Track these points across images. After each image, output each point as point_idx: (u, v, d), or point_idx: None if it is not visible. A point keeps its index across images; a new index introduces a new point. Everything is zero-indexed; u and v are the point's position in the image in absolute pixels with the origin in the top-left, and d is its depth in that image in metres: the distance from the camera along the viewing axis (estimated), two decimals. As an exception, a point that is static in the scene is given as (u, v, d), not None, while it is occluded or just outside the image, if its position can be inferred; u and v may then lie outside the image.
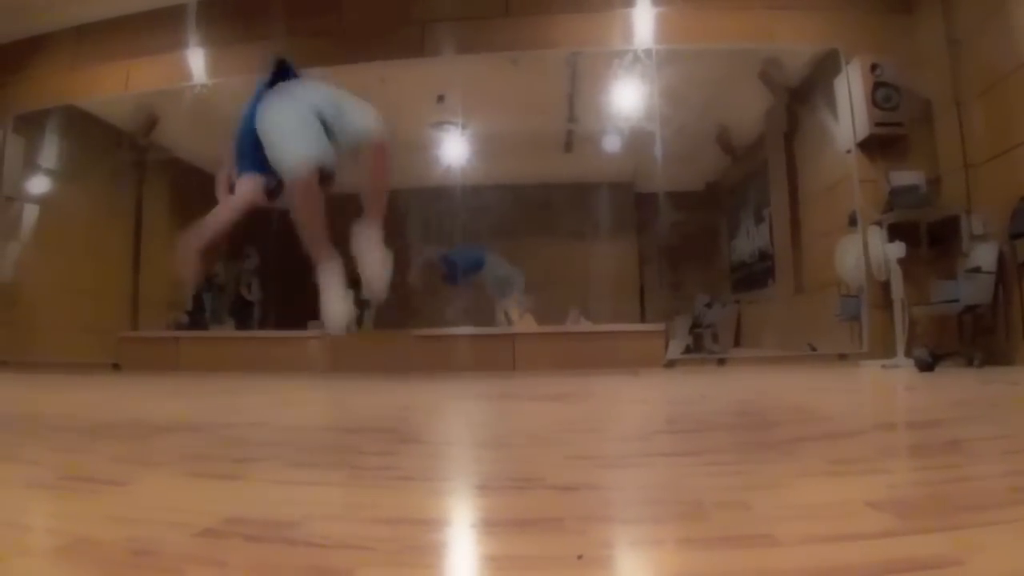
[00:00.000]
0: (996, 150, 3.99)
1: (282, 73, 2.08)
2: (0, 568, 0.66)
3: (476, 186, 5.83)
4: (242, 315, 6.12)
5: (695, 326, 5.80)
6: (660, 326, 4.86)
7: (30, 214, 5.94)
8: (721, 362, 4.86)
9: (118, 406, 2.62)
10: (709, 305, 6.04)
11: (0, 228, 5.73)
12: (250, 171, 1.99)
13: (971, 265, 3.90)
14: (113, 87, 5.68)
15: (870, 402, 2.45)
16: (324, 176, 1.94)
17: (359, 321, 5.95)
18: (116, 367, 5.21)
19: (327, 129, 1.91)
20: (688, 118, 5.59)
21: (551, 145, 6.53)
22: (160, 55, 5.59)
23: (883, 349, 4.30)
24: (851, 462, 1.18)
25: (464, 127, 5.72)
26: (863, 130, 4.55)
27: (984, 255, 3.86)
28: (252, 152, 1.95)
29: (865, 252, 4.45)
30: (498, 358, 4.78)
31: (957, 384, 2.80)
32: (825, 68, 4.97)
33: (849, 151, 4.71)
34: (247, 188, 1.98)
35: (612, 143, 6.10)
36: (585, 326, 5.34)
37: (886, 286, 4.30)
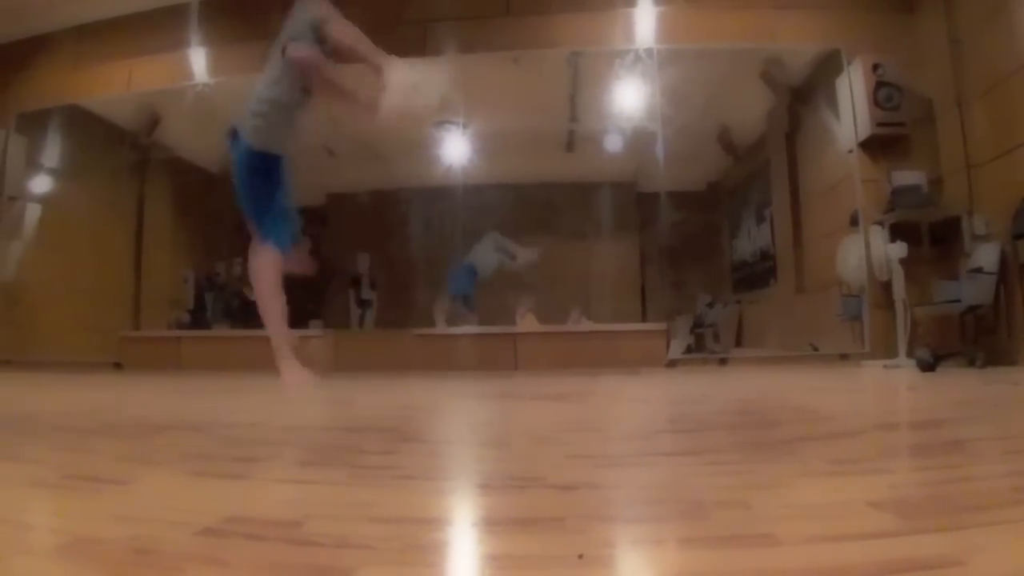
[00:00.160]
0: (998, 150, 3.99)
1: None
2: (1, 566, 0.66)
3: (477, 185, 5.83)
4: (245, 314, 6.12)
5: (696, 326, 5.80)
6: (662, 326, 4.86)
7: (32, 213, 5.95)
8: (723, 362, 4.86)
9: (120, 405, 2.63)
10: (711, 305, 6.04)
11: (2, 227, 5.74)
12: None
13: (973, 265, 3.89)
14: (115, 86, 5.69)
15: (872, 402, 2.44)
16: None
17: (361, 321, 5.96)
18: (118, 366, 5.21)
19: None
20: (690, 118, 5.59)
21: (552, 145, 6.53)
22: (162, 54, 5.59)
23: (885, 349, 4.30)
24: (852, 462, 1.18)
25: (465, 126, 5.72)
26: (865, 130, 4.54)
27: (986, 255, 3.86)
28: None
29: (867, 252, 4.44)
30: (500, 357, 4.78)
31: (959, 384, 2.79)
32: (827, 68, 4.97)
33: (851, 151, 4.70)
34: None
35: (613, 143, 6.10)
36: (587, 326, 5.34)
37: (888, 286, 4.29)
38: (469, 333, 5.09)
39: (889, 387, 2.93)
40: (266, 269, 2.19)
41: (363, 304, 6.15)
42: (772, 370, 4.29)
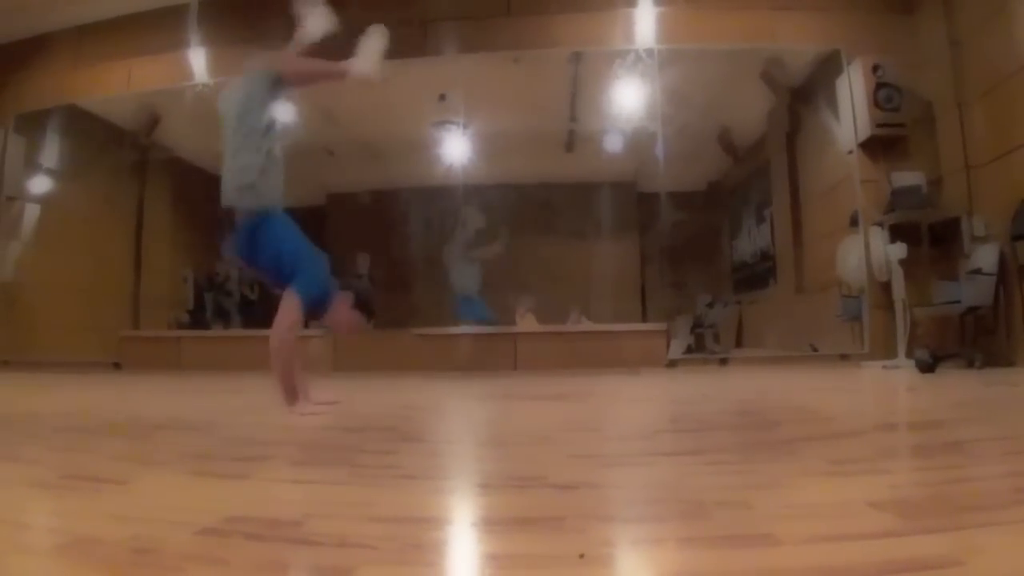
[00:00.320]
0: (997, 152, 3.99)
1: None
2: (0, 566, 0.66)
3: (478, 185, 5.83)
4: (245, 314, 6.13)
5: (697, 326, 5.81)
6: (662, 326, 4.86)
7: (31, 214, 5.94)
8: (723, 362, 4.86)
9: (119, 405, 2.63)
10: (711, 305, 6.04)
11: (1, 227, 5.73)
12: None
13: (972, 266, 3.89)
14: (115, 86, 5.68)
15: (871, 403, 2.44)
16: None
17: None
18: (117, 366, 5.21)
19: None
20: (690, 118, 5.59)
21: (553, 144, 6.54)
22: (162, 54, 5.59)
23: (884, 350, 4.30)
24: (852, 462, 1.18)
25: (466, 126, 5.72)
26: (865, 131, 4.54)
27: (985, 256, 3.86)
28: None
29: (866, 253, 4.45)
30: (499, 358, 4.78)
31: (958, 385, 2.79)
32: (827, 68, 4.97)
33: (851, 151, 4.70)
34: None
35: (614, 143, 6.10)
36: (587, 326, 5.34)
37: (887, 287, 4.30)
38: (469, 333, 5.09)
39: (888, 388, 2.93)
40: (284, 316, 2.16)
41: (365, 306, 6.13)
42: (772, 370, 4.29)
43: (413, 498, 0.99)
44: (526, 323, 5.34)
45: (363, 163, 6.70)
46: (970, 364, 3.71)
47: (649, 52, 5.09)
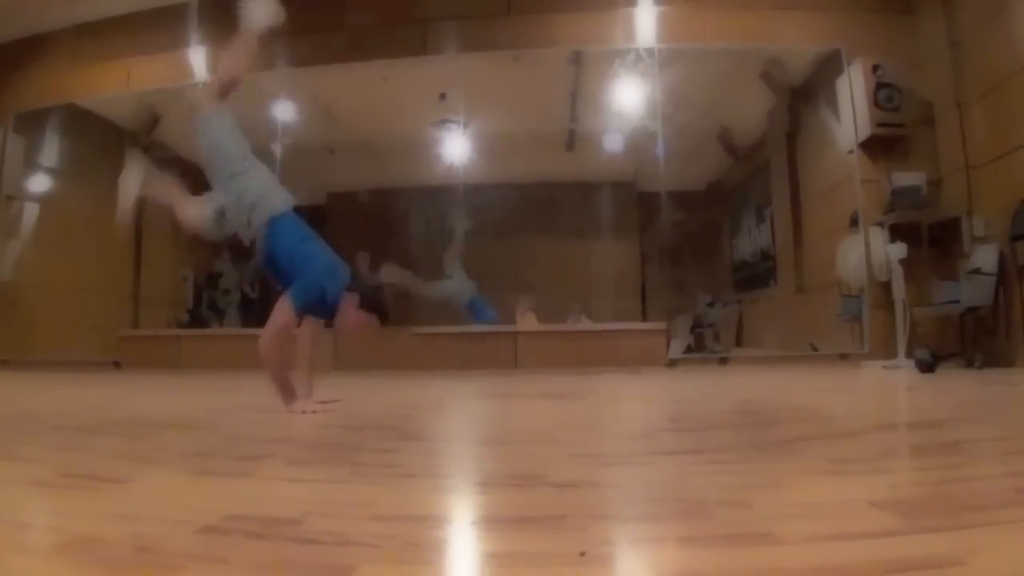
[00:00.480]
0: (997, 152, 3.99)
1: None
2: (0, 566, 0.66)
3: (478, 184, 5.83)
4: (246, 312, 6.13)
5: (697, 325, 5.81)
6: (662, 325, 4.86)
7: (31, 213, 5.94)
8: (723, 361, 4.86)
9: (119, 404, 2.63)
10: (711, 304, 6.04)
11: (1, 227, 5.73)
12: None
13: (972, 267, 3.90)
14: (114, 85, 5.68)
15: (872, 402, 2.44)
16: None
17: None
18: (117, 365, 5.21)
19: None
20: (690, 117, 5.59)
21: (553, 144, 6.54)
22: (161, 53, 5.59)
23: (884, 350, 4.30)
24: (853, 462, 1.18)
25: (466, 125, 5.72)
26: (865, 130, 4.55)
27: (985, 257, 3.86)
28: None
29: (867, 252, 4.45)
30: (500, 356, 4.78)
31: (958, 385, 2.79)
32: (827, 68, 4.97)
33: (851, 151, 4.70)
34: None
35: (614, 142, 6.10)
36: (587, 325, 5.34)
37: (887, 286, 4.30)
38: (469, 332, 5.09)
39: (889, 387, 2.93)
40: (273, 320, 2.17)
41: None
42: (772, 370, 4.30)
43: (413, 497, 0.99)
44: (526, 322, 5.34)
45: (364, 162, 6.70)
46: (970, 364, 3.72)
47: (649, 51, 5.09)
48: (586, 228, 6.63)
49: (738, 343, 6.01)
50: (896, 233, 4.25)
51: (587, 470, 1.18)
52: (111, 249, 5.83)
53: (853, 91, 4.64)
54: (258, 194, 2.28)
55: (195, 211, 2.33)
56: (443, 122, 5.79)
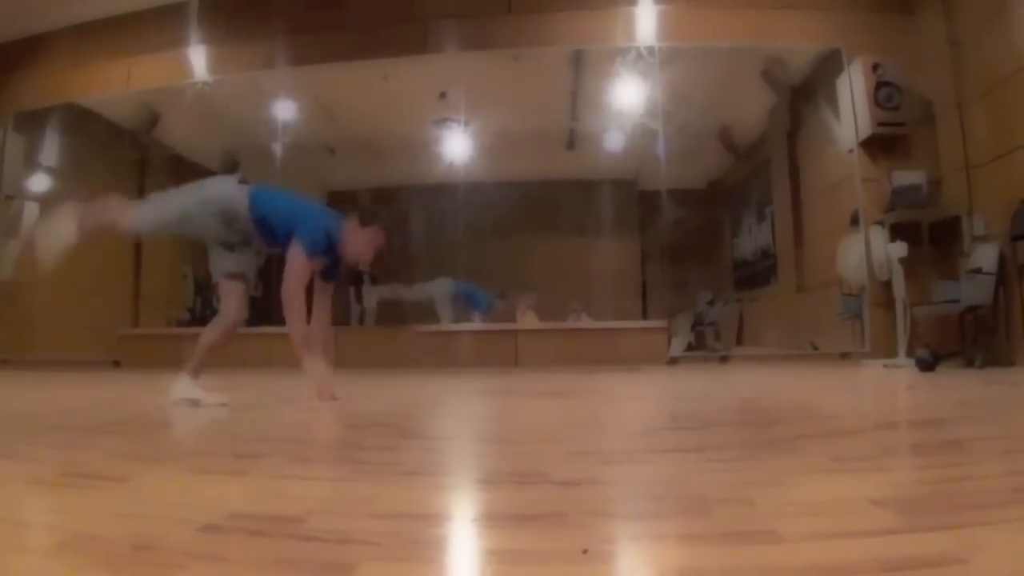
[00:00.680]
0: (997, 151, 3.98)
1: None
2: (0, 564, 0.66)
3: (478, 183, 5.83)
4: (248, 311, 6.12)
5: (697, 324, 5.81)
6: (662, 323, 4.86)
7: (31, 212, 5.94)
8: (723, 360, 4.87)
9: (119, 403, 2.63)
10: (711, 303, 6.04)
11: (1, 227, 5.73)
12: None
13: (972, 266, 3.89)
14: (114, 84, 5.67)
15: (872, 401, 2.44)
16: None
17: (361, 318, 5.95)
18: (117, 364, 5.21)
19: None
20: (691, 116, 5.59)
21: (554, 142, 6.53)
22: (161, 52, 5.58)
23: (885, 348, 4.30)
24: (854, 460, 1.18)
25: (466, 124, 5.72)
26: (865, 129, 4.54)
27: (985, 256, 3.86)
28: None
29: (867, 251, 4.45)
30: (500, 354, 4.78)
31: (958, 384, 2.79)
32: (827, 67, 4.97)
33: (851, 150, 4.70)
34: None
35: (615, 140, 6.10)
36: (587, 323, 5.34)
37: (888, 285, 4.30)
38: (470, 330, 5.09)
39: (889, 386, 2.93)
40: (291, 264, 2.30)
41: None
42: (772, 368, 4.29)
43: (415, 494, 0.99)
44: (527, 320, 5.34)
45: (364, 161, 6.69)
46: (970, 363, 3.71)
47: (650, 50, 5.08)
48: (587, 226, 6.62)
49: (739, 341, 6.01)
50: (896, 232, 4.24)
51: (588, 468, 1.18)
52: (111, 248, 5.83)
53: (853, 90, 4.64)
54: (222, 198, 2.41)
55: (130, 214, 2.51)
56: (443, 121, 5.79)
